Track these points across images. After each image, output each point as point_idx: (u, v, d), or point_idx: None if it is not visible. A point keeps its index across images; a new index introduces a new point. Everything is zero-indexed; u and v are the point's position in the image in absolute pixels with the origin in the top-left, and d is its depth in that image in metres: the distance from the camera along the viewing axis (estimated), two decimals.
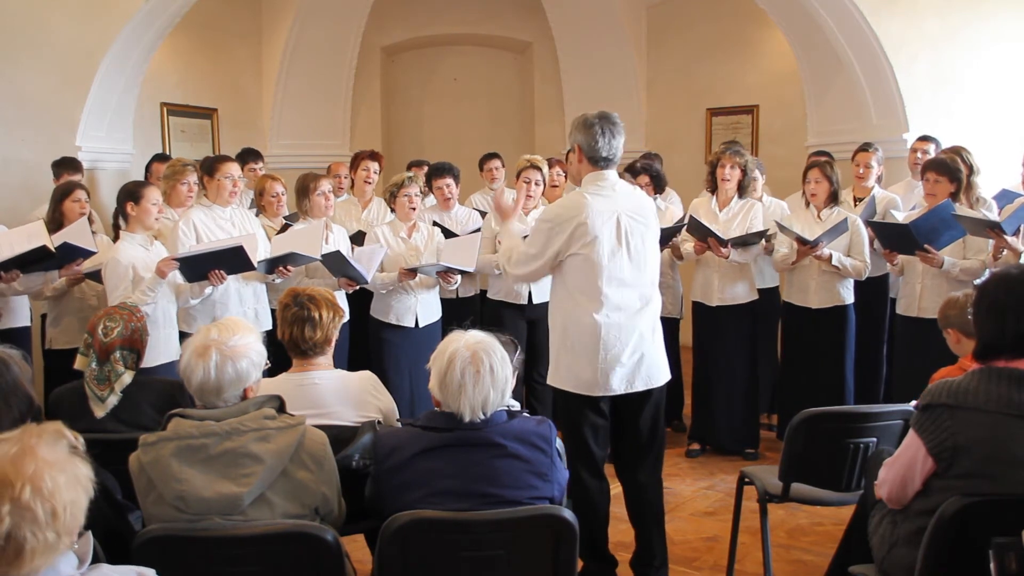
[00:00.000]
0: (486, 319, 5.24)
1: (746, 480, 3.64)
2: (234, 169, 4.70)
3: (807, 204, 5.14)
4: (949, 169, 4.61)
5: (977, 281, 4.40)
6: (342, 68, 8.37)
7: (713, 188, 5.22)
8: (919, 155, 5.49)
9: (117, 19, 5.76)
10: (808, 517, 4.30)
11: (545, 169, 5.29)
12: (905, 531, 2.46)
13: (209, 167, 4.71)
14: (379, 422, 2.94)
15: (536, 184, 5.17)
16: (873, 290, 5.28)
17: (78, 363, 3.20)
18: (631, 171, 5.59)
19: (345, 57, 8.33)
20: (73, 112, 5.82)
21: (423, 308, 5.01)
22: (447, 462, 2.40)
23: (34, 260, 4.36)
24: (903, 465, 2.42)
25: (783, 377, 5.39)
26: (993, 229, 4.29)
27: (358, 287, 4.87)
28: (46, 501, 1.53)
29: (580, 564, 3.26)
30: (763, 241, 5.15)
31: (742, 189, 5.15)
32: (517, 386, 3.21)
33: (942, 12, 5.95)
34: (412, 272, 4.81)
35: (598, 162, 3.35)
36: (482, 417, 2.42)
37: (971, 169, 4.75)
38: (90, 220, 4.91)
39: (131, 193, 4.34)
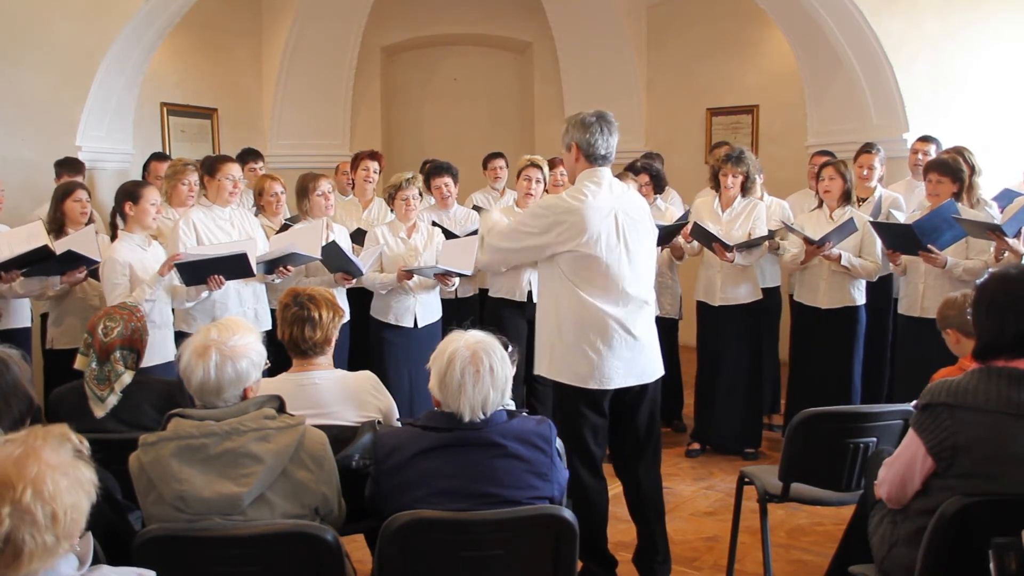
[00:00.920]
0: (486, 318, 5.24)
1: (746, 480, 3.64)
2: (235, 170, 4.70)
3: (820, 203, 5.14)
4: (952, 169, 4.61)
5: (976, 281, 4.40)
6: (342, 68, 8.37)
7: (717, 186, 5.22)
8: (919, 155, 5.49)
9: (117, 19, 5.76)
10: (808, 517, 4.30)
11: (546, 168, 5.29)
12: (905, 531, 2.46)
13: (210, 167, 4.71)
14: (379, 422, 2.94)
15: (537, 182, 5.17)
16: (876, 290, 5.28)
17: (78, 363, 3.20)
18: (632, 170, 5.60)
19: (345, 57, 8.33)
20: (73, 112, 5.82)
21: (422, 308, 5.01)
22: (447, 462, 2.40)
23: (34, 260, 4.36)
24: (903, 465, 2.42)
25: (791, 376, 5.38)
26: (994, 231, 4.29)
27: (354, 281, 4.88)
28: (47, 504, 1.52)
29: (580, 564, 3.26)
30: (766, 241, 5.15)
31: (745, 189, 5.15)
32: (516, 385, 3.21)
33: (942, 12, 5.95)
34: (409, 273, 4.82)
35: (596, 160, 3.37)
36: (482, 417, 2.42)
37: (973, 169, 4.75)
38: (90, 220, 4.92)
39: (129, 193, 4.34)
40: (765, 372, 5.50)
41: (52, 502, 1.53)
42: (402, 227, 5.03)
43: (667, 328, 5.61)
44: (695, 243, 5.26)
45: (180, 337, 4.29)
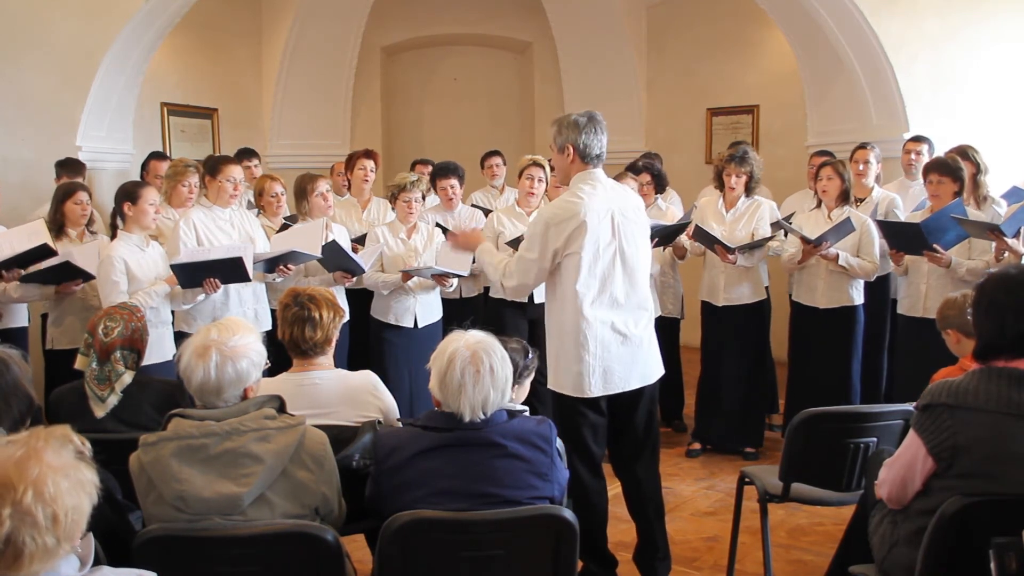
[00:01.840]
0: (487, 319, 5.24)
1: (746, 480, 3.64)
2: (237, 171, 4.70)
3: (819, 203, 5.14)
4: (950, 169, 4.61)
5: (976, 282, 4.39)
6: (342, 68, 8.37)
7: (721, 186, 5.22)
8: (912, 156, 5.51)
9: (117, 19, 5.76)
10: (808, 517, 4.30)
11: (547, 168, 5.30)
12: (905, 531, 2.46)
13: (212, 167, 4.71)
14: (379, 422, 2.94)
15: (539, 181, 5.18)
16: (874, 290, 5.27)
17: (78, 363, 3.20)
18: (632, 170, 5.60)
19: (345, 57, 8.33)
20: (73, 112, 5.83)
21: (422, 308, 5.01)
22: (447, 462, 2.40)
23: (35, 259, 4.36)
24: (903, 465, 2.42)
25: (790, 376, 5.38)
26: (993, 231, 4.29)
27: (354, 280, 4.87)
28: (47, 506, 1.52)
29: (580, 564, 3.26)
30: (768, 243, 5.15)
31: (749, 189, 5.15)
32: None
33: (942, 12, 5.95)
34: (407, 274, 4.82)
35: (590, 160, 3.38)
36: (482, 417, 2.42)
37: (978, 168, 4.75)
38: (90, 220, 4.93)
39: (128, 193, 4.34)
40: (768, 372, 5.50)
41: (53, 503, 1.53)
42: (402, 228, 5.03)
43: (669, 328, 5.62)
44: (698, 243, 5.25)
45: (180, 337, 4.29)
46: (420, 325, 4.99)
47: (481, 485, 2.38)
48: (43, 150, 5.67)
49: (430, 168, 6.37)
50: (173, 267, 4.21)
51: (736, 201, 5.16)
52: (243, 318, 3.46)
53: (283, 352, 3.01)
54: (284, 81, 8.12)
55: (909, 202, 5.37)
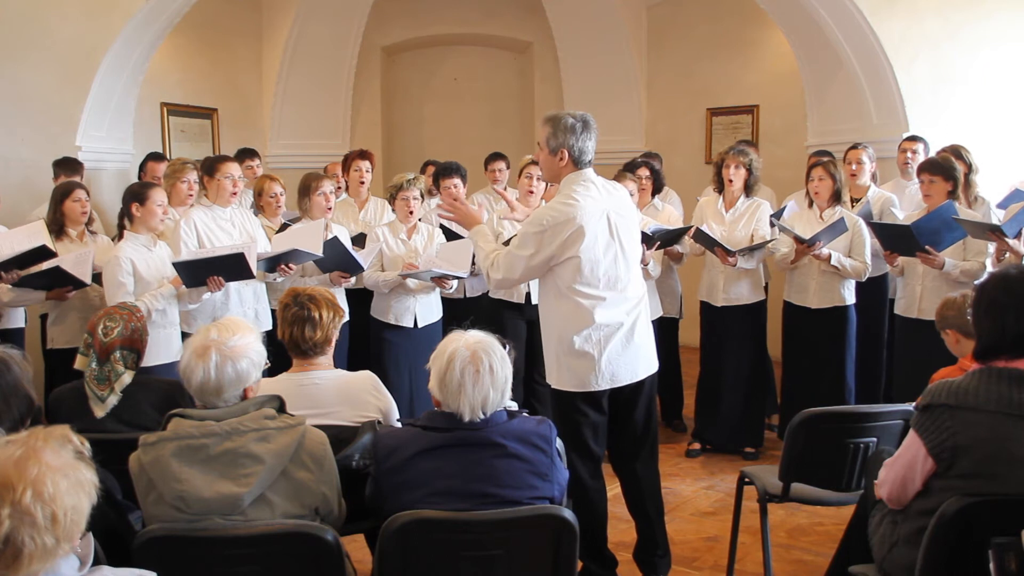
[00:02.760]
0: (485, 319, 5.23)
1: (746, 480, 3.64)
2: (234, 169, 4.71)
3: (810, 203, 5.14)
4: (943, 168, 4.61)
5: (976, 282, 4.39)
6: (342, 68, 8.37)
7: (720, 188, 5.22)
8: (908, 155, 5.51)
9: (118, 18, 5.76)
10: (808, 517, 4.30)
11: None
12: (905, 531, 2.46)
13: (210, 167, 4.72)
14: (379, 422, 2.94)
15: (538, 180, 5.18)
16: (871, 291, 5.28)
17: (78, 363, 3.20)
18: (630, 167, 5.59)
19: (345, 57, 8.33)
20: (73, 111, 5.82)
21: (422, 308, 5.01)
22: (447, 462, 2.40)
23: (34, 260, 4.35)
24: (903, 465, 2.42)
25: (784, 377, 5.39)
26: (994, 232, 4.29)
27: (352, 280, 4.87)
28: (47, 506, 1.52)
29: (580, 564, 3.26)
30: (768, 244, 5.15)
31: (748, 188, 5.15)
32: (515, 385, 3.21)
33: (942, 12, 5.95)
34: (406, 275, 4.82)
35: (583, 163, 3.39)
36: (482, 417, 2.42)
37: (969, 167, 4.74)
38: (90, 220, 4.92)
39: (136, 194, 4.34)
40: (767, 372, 5.50)
41: (52, 503, 1.53)
42: (402, 228, 5.03)
43: (667, 328, 5.62)
44: (697, 244, 5.25)
45: (181, 337, 4.29)
46: (420, 325, 4.99)
47: (481, 485, 2.38)
48: (43, 150, 5.66)
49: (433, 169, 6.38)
50: (176, 266, 4.21)
51: (736, 200, 5.16)
52: (243, 318, 3.47)
53: (283, 352, 3.01)
54: (284, 81, 8.12)
55: (906, 202, 5.38)
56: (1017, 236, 4.31)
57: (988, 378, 2.31)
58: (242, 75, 8.09)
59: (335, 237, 4.70)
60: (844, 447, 3.28)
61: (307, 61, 8.10)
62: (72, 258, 4.47)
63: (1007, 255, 4.37)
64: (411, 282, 4.89)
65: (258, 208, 5.21)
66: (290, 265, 4.62)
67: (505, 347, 2.90)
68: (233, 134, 7.79)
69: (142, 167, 6.01)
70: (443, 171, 5.72)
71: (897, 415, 3.27)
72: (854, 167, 5.40)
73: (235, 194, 4.69)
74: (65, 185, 4.89)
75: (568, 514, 2.33)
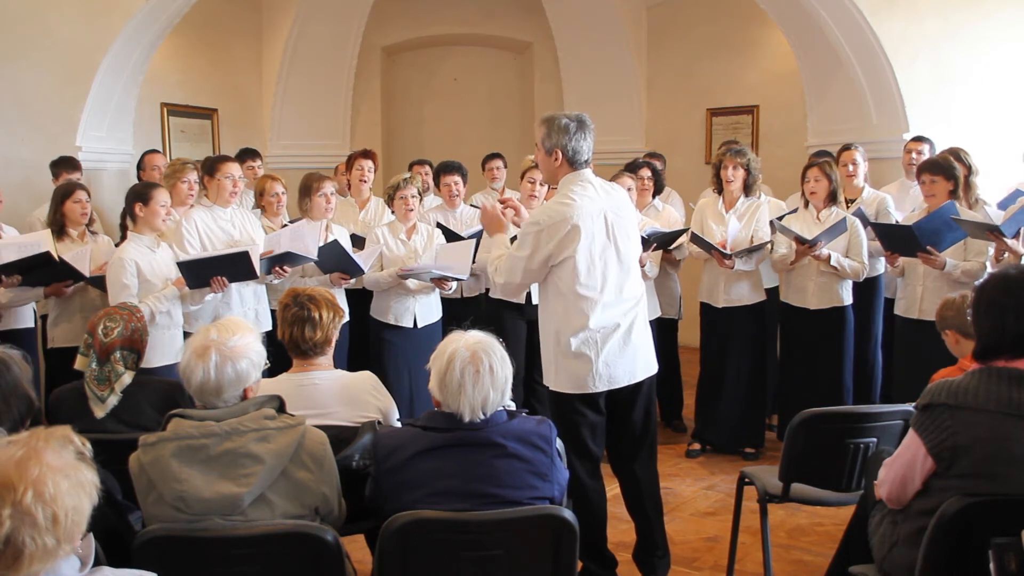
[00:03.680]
0: (485, 319, 5.23)
1: (746, 480, 3.64)
2: (234, 169, 4.71)
3: (806, 204, 5.14)
4: (944, 168, 4.62)
5: (976, 282, 4.39)
6: (342, 68, 8.37)
7: (719, 189, 5.22)
8: (913, 155, 5.50)
9: (118, 18, 5.75)
10: (808, 517, 4.30)
11: None
12: (905, 531, 2.46)
13: (210, 167, 4.72)
14: (379, 422, 2.94)
15: (541, 184, 5.18)
16: (864, 290, 5.28)
17: (78, 363, 3.20)
18: (632, 168, 5.59)
19: (345, 57, 8.33)
20: (73, 111, 5.82)
21: (421, 308, 5.01)
22: (447, 462, 2.40)
23: (35, 266, 4.35)
24: (903, 465, 2.42)
25: (783, 378, 5.39)
26: (993, 232, 4.29)
27: (351, 280, 4.87)
28: (47, 506, 1.52)
29: (580, 564, 3.26)
30: (767, 246, 5.15)
31: (748, 188, 5.15)
32: (514, 385, 3.21)
33: (942, 12, 5.95)
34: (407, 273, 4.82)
35: (579, 163, 3.38)
36: (482, 417, 2.42)
37: (969, 169, 4.74)
38: (91, 220, 4.92)
39: (139, 194, 4.34)
40: (768, 372, 5.50)
41: (53, 504, 1.53)
42: (402, 228, 5.03)
43: (667, 328, 5.62)
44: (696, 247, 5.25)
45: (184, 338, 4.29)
46: (420, 325, 5.00)
47: (481, 485, 2.38)
48: (43, 150, 5.66)
49: (427, 168, 6.38)
50: (180, 266, 4.21)
51: (735, 200, 5.16)
52: (244, 318, 3.47)
53: (283, 352, 3.01)
54: (284, 81, 8.11)
55: (910, 203, 5.36)
56: (1016, 236, 4.31)
57: (988, 378, 2.31)
58: (242, 75, 8.09)
59: (335, 240, 4.69)
60: (844, 447, 3.28)
61: (307, 61, 8.10)
62: (69, 257, 4.47)
63: (1006, 255, 4.37)
64: (411, 282, 4.89)
65: (259, 208, 5.21)
66: (285, 268, 4.61)
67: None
68: (233, 134, 7.79)
69: (140, 164, 6.01)
70: (444, 168, 5.75)
71: (897, 415, 3.27)
72: (850, 168, 5.40)
73: (235, 194, 4.69)
74: (66, 185, 4.89)
75: (568, 514, 2.33)
